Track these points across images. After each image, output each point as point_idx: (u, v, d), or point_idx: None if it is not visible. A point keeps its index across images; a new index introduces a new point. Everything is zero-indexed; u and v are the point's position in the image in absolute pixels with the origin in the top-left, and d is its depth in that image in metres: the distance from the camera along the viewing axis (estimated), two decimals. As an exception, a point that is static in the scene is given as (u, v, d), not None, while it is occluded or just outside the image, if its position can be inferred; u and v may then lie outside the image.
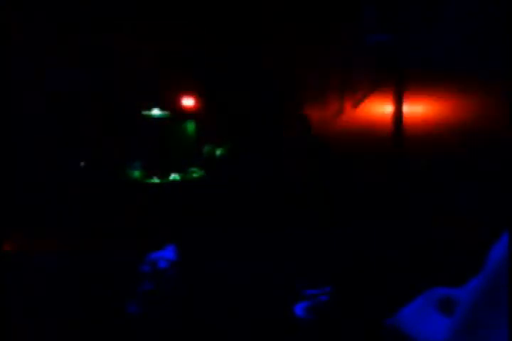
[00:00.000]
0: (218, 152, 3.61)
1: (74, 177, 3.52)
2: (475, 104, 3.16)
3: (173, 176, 3.61)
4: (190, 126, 3.67)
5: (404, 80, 3.31)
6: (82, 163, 3.55)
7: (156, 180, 3.60)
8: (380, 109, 3.43)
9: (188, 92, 3.66)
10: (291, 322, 2.31)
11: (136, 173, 3.60)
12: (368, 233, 2.99)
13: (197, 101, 3.66)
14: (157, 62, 3.61)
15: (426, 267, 2.62)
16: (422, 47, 3.26)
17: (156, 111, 3.65)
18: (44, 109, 3.54)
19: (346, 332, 2.20)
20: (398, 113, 3.33)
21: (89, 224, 3.39)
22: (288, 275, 2.61)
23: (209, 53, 3.60)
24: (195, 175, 3.62)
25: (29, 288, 2.92)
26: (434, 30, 3.23)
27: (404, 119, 3.32)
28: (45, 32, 3.51)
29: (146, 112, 3.64)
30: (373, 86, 3.42)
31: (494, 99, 3.02)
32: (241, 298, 2.50)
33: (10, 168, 3.43)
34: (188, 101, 3.67)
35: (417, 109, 3.36)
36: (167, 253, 2.72)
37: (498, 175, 2.81)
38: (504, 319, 1.03)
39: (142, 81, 3.59)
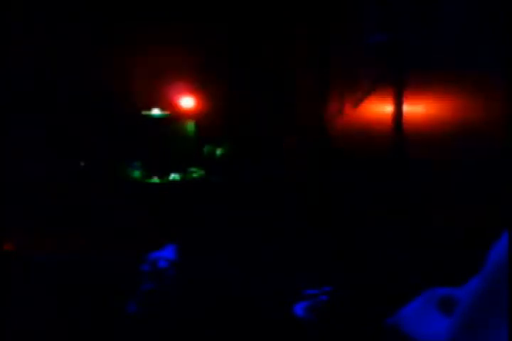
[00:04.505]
0: (218, 152, 3.61)
1: (74, 177, 3.52)
2: (474, 103, 3.16)
3: (173, 176, 3.61)
4: (190, 126, 3.67)
5: (404, 80, 3.31)
6: (82, 163, 3.55)
7: (156, 180, 3.60)
8: (380, 109, 3.43)
9: (188, 92, 3.66)
10: (291, 322, 2.31)
11: (136, 173, 3.60)
12: (368, 233, 2.99)
13: (197, 101, 3.66)
14: (157, 61, 3.61)
15: (426, 267, 2.62)
16: (422, 47, 3.27)
17: (156, 111, 3.65)
18: (43, 108, 3.53)
19: (346, 332, 2.20)
20: (398, 113, 3.33)
21: (89, 224, 3.39)
22: (288, 275, 2.61)
23: (210, 53, 3.60)
24: (195, 175, 3.62)
25: (29, 288, 2.92)
26: (434, 29, 3.23)
27: (404, 119, 3.32)
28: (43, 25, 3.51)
29: (146, 112, 3.64)
30: (373, 86, 3.42)
31: (493, 97, 3.02)
32: (241, 297, 2.50)
33: (9, 168, 3.43)
34: (188, 101, 3.67)
35: (417, 108, 3.36)
36: (167, 253, 2.72)
37: (498, 175, 2.81)
38: (504, 319, 1.03)
39: (142, 81, 3.59)
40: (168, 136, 3.67)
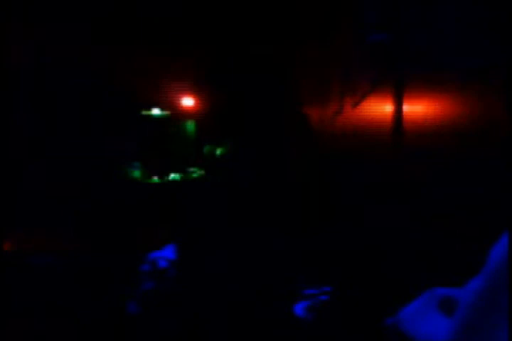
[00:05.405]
0: (218, 152, 3.61)
1: (73, 177, 3.52)
2: (474, 103, 3.16)
3: (173, 176, 3.61)
4: (190, 126, 3.67)
5: (404, 79, 3.32)
6: (83, 163, 3.55)
7: (156, 180, 3.60)
8: (380, 109, 3.43)
9: (188, 92, 3.66)
10: (291, 322, 2.31)
11: (136, 173, 3.60)
12: (367, 232, 3.00)
13: (197, 101, 3.67)
14: (157, 61, 3.61)
15: (426, 267, 2.62)
16: (422, 47, 3.27)
17: (156, 111, 3.65)
18: (43, 109, 3.54)
19: (346, 332, 2.20)
20: (398, 113, 3.33)
21: (89, 224, 3.39)
22: (288, 275, 2.61)
23: (210, 53, 3.60)
24: (195, 175, 3.62)
25: (29, 288, 2.92)
26: (434, 29, 3.23)
27: (404, 119, 3.33)
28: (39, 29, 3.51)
29: (146, 112, 3.64)
30: (373, 86, 3.42)
31: (494, 98, 3.03)
32: (241, 297, 2.50)
33: (9, 168, 3.43)
34: (188, 101, 3.67)
35: (416, 108, 3.36)
36: (167, 253, 2.72)
37: (498, 175, 2.81)
38: (504, 319, 1.03)
39: (142, 80, 3.59)
40: (168, 136, 3.67)
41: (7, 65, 3.46)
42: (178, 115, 3.67)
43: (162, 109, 3.66)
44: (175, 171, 3.62)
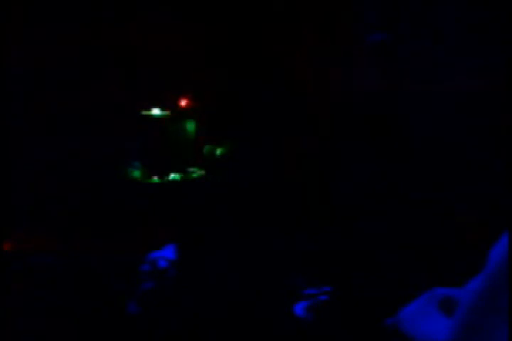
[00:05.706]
0: (218, 152, 3.61)
1: (74, 176, 3.52)
2: (474, 103, 3.16)
3: (173, 176, 3.61)
4: (190, 126, 3.67)
5: (404, 79, 3.32)
6: (82, 163, 3.55)
7: (156, 180, 3.60)
8: (380, 108, 3.43)
9: (188, 92, 3.66)
10: (291, 322, 2.31)
11: (136, 173, 3.60)
12: (367, 233, 3.00)
13: (197, 101, 3.67)
14: (157, 61, 3.61)
15: (426, 267, 2.62)
16: (422, 46, 3.27)
17: (156, 111, 3.65)
18: (43, 108, 3.54)
19: (346, 332, 2.20)
20: (398, 112, 3.33)
21: (89, 224, 3.39)
22: (287, 275, 2.61)
23: (209, 52, 3.60)
24: (195, 175, 3.62)
25: (28, 288, 2.92)
26: (434, 29, 3.23)
27: (403, 119, 3.33)
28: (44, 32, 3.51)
29: (146, 112, 3.64)
30: (373, 85, 3.43)
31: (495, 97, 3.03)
32: (241, 297, 2.50)
33: (8, 168, 3.44)
34: (188, 101, 3.67)
35: (416, 108, 3.36)
36: (167, 253, 2.72)
37: (499, 175, 2.81)
38: (504, 319, 1.03)
39: (142, 81, 3.59)
40: (168, 136, 3.67)
41: (7, 64, 3.46)
42: (178, 115, 3.67)
43: (162, 109, 3.66)
44: (175, 171, 3.62)
